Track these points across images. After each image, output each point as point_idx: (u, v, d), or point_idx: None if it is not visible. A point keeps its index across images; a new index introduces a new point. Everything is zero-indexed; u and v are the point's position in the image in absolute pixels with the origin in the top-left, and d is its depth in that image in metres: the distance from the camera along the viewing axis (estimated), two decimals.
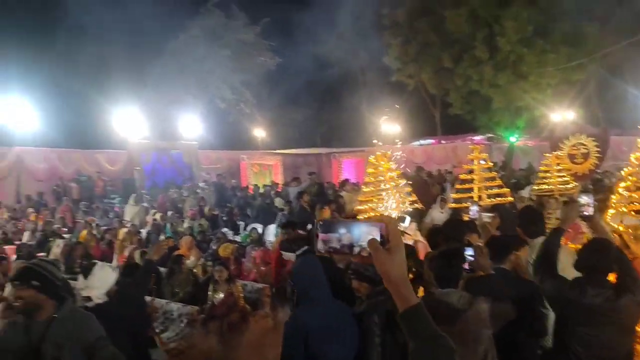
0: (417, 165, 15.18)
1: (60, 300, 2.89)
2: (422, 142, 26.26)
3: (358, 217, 7.04)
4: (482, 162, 7.90)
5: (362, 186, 8.52)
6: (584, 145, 10.80)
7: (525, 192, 10.35)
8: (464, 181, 7.97)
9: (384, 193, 7.20)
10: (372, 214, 6.62)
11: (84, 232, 10.47)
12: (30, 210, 13.55)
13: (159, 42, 24.89)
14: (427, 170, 14.87)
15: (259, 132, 28.17)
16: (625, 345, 3.31)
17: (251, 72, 27.53)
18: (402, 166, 7.28)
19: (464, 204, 6.83)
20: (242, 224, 12.62)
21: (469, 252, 3.52)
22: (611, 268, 3.29)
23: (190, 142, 21.80)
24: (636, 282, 3.20)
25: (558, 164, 9.01)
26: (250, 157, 22.10)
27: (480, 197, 7.44)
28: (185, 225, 11.82)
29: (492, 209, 6.50)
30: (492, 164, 8.69)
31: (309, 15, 25.02)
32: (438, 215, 8.98)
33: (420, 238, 6.50)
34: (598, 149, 10.79)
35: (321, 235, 1.43)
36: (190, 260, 7.67)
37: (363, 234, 1.40)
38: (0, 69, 19.07)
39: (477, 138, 22.82)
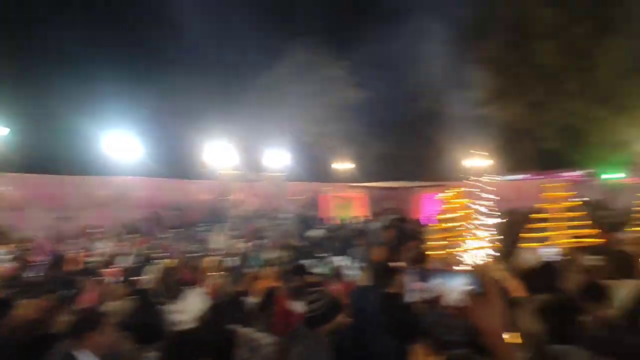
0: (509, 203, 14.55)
1: None
2: (512, 177, 25.16)
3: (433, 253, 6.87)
4: (572, 200, 7.54)
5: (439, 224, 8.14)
6: None
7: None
8: (538, 220, 7.62)
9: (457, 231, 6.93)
10: (440, 252, 6.38)
11: (172, 259, 11.00)
12: (129, 236, 14.62)
13: (250, 78, 26.37)
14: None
15: (343, 165, 28.49)
16: None
17: (336, 106, 28.13)
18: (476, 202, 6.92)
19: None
20: (323, 256, 12.73)
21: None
22: None
23: (277, 174, 22.51)
24: None
25: None
26: (333, 190, 22.37)
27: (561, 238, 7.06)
28: (269, 255, 12.15)
29: (598, 251, 6.05)
30: (581, 202, 8.23)
31: (394, 50, 25.26)
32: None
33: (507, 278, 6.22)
34: None
35: (418, 284, 1.39)
36: None
37: (459, 284, 1.34)
38: (111, 104, 20.95)
39: (573, 174, 21.53)
